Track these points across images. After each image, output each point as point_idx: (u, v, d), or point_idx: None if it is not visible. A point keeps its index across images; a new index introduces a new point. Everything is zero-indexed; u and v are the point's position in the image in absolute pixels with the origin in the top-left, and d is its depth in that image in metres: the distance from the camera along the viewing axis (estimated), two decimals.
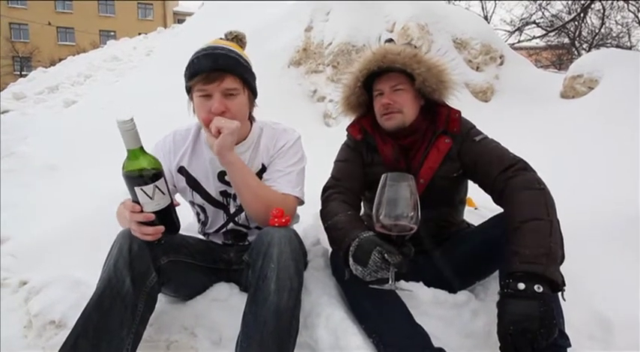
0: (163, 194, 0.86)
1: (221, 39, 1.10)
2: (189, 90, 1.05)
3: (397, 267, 0.87)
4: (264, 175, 1.14)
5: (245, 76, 1.03)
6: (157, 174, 0.84)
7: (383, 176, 0.88)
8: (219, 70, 0.98)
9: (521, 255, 0.88)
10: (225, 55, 1.00)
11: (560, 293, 0.89)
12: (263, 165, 1.15)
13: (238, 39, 1.10)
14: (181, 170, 1.14)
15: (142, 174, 0.82)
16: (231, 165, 1.01)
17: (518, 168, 1.05)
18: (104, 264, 0.92)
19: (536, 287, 0.83)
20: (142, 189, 0.83)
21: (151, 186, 0.83)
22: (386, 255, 0.86)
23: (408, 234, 0.87)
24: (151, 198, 0.84)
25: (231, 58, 1.00)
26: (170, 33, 7.63)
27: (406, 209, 0.85)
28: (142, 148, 0.84)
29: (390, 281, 0.89)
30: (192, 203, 1.19)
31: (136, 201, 0.85)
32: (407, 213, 0.85)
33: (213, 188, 1.14)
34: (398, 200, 0.85)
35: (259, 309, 0.86)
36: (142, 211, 0.85)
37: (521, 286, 0.84)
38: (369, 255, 0.88)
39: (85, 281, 1.21)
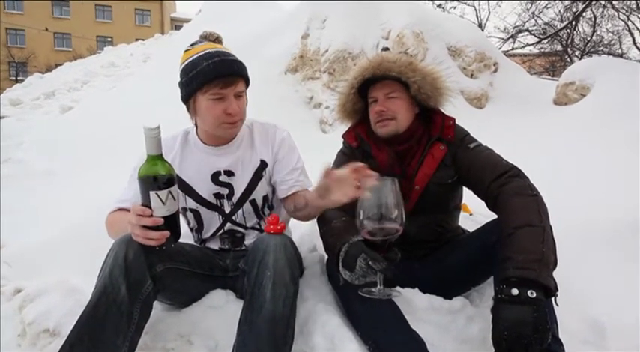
0: (174, 200, 0.88)
1: (209, 41, 1.17)
2: (193, 93, 1.06)
3: (383, 273, 0.89)
4: (282, 176, 1.15)
5: (248, 79, 1.13)
6: (171, 181, 0.86)
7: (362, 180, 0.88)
8: (234, 75, 1.06)
9: (514, 260, 0.89)
10: (236, 60, 1.09)
11: (553, 299, 0.90)
12: (263, 161, 1.17)
13: (219, 41, 1.14)
14: None
15: (158, 179, 0.85)
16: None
17: (511, 174, 1.07)
18: (100, 272, 0.92)
19: (529, 292, 0.84)
20: (156, 194, 0.84)
21: (166, 191, 0.85)
22: (370, 262, 0.88)
23: (394, 236, 0.87)
24: (163, 203, 0.85)
25: (240, 63, 1.10)
26: (167, 39, 7.67)
27: (390, 212, 0.84)
28: (161, 155, 0.86)
29: (379, 285, 0.90)
30: (185, 209, 1.19)
31: (146, 205, 0.86)
32: (391, 216, 0.84)
33: (206, 190, 1.15)
34: (381, 204, 0.85)
35: (255, 317, 0.87)
36: (151, 216, 0.86)
37: (515, 292, 0.85)
38: (355, 260, 0.90)
39: (81, 288, 1.21)
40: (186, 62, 1.08)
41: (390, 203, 0.84)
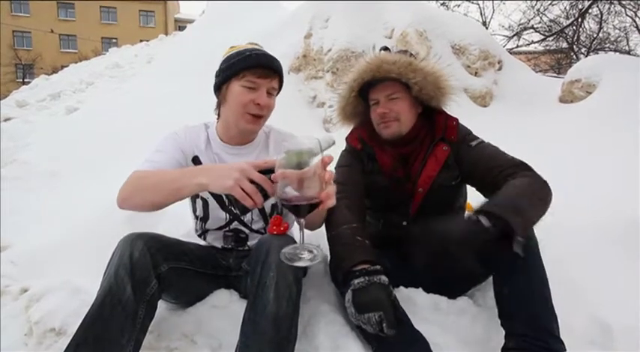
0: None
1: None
2: (229, 78, 1.09)
3: (386, 335, 0.88)
4: None
5: (282, 83, 1.15)
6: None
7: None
8: (272, 70, 1.10)
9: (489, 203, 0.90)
10: (277, 59, 1.13)
11: (517, 244, 0.83)
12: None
13: None
14: (195, 160, 1.15)
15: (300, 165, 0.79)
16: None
17: (522, 168, 1.05)
18: (105, 272, 0.92)
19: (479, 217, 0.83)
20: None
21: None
22: (384, 323, 0.87)
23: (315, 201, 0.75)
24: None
25: (280, 64, 1.14)
26: (171, 40, 7.70)
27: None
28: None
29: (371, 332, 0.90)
30: (197, 195, 1.17)
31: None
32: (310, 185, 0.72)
33: None
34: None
35: (258, 318, 0.87)
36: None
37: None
38: (369, 311, 0.89)
39: (86, 288, 1.22)
40: (230, 53, 1.12)
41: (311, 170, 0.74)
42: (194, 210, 1.23)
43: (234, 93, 1.08)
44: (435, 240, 0.83)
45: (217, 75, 1.13)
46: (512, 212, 0.85)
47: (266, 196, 0.79)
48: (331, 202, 0.72)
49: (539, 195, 0.95)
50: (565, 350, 0.89)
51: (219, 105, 1.16)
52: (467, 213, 0.88)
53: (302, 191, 0.70)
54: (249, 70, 1.06)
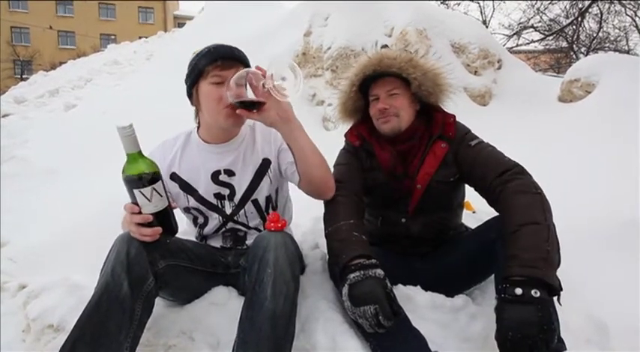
0: (161, 196, 0.89)
1: None
2: (196, 80, 1.07)
3: (384, 327, 0.90)
4: (288, 161, 1.13)
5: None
6: (154, 177, 0.87)
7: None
8: (235, 59, 1.07)
9: (519, 258, 0.88)
10: (238, 48, 1.11)
11: (556, 298, 0.89)
12: (265, 160, 1.16)
13: None
14: (173, 176, 1.16)
15: (141, 177, 0.86)
16: (299, 129, 1.07)
17: (515, 172, 1.06)
18: (102, 269, 0.92)
19: (533, 292, 0.83)
20: (140, 192, 0.86)
21: (149, 188, 0.86)
22: (380, 316, 0.88)
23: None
24: (149, 200, 0.86)
25: (242, 52, 1.11)
26: (170, 37, 7.67)
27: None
28: (140, 152, 0.87)
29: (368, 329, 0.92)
30: (188, 209, 1.19)
31: (135, 203, 0.88)
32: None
33: (206, 190, 1.15)
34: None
35: (255, 315, 0.87)
36: (140, 213, 0.88)
37: (519, 291, 0.84)
38: (364, 304, 0.89)
39: (84, 285, 1.21)
40: (192, 56, 1.10)
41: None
42: (194, 219, 1.23)
43: (205, 93, 1.06)
44: (514, 334, 0.82)
45: (185, 80, 1.11)
46: (549, 268, 0.87)
47: (161, 223, 0.92)
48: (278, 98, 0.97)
49: (544, 222, 0.94)
50: (566, 348, 0.90)
51: (197, 113, 1.14)
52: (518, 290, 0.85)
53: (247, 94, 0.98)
54: (211, 64, 1.05)
